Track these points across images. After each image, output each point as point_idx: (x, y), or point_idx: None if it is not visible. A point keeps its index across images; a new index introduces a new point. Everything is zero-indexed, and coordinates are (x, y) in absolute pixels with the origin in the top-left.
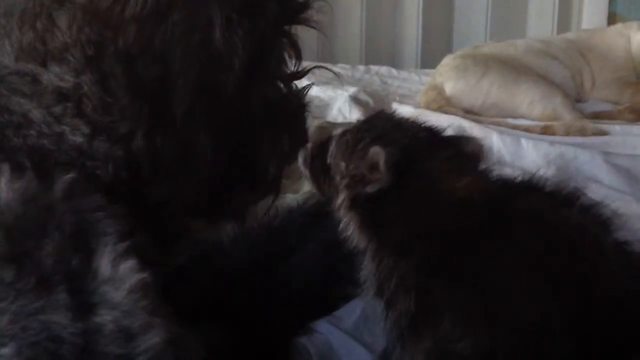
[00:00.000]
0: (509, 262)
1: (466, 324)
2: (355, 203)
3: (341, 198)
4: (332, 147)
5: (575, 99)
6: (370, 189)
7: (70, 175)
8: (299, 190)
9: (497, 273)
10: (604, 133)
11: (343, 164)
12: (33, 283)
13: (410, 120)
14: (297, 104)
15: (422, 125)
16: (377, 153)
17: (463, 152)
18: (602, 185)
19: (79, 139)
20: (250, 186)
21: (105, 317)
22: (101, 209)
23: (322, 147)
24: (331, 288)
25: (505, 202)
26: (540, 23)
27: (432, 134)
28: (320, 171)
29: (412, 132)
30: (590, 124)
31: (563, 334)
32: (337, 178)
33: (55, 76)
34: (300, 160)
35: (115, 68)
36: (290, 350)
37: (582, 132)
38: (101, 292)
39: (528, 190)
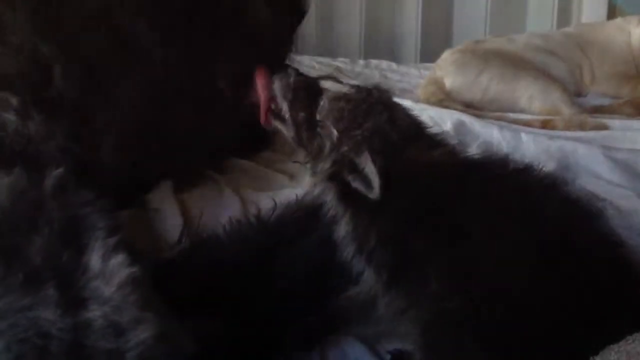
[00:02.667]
0: (480, 214)
1: (452, 281)
2: (336, 176)
3: (325, 166)
4: (325, 105)
5: (575, 93)
6: (356, 186)
7: (59, 170)
8: (297, 185)
9: (470, 225)
10: (603, 127)
11: (335, 134)
12: (21, 279)
13: (398, 106)
14: None
15: (408, 115)
16: (371, 170)
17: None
18: (601, 179)
19: (11, 117)
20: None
21: (95, 312)
22: (90, 204)
23: (308, 88)
24: (327, 281)
25: (477, 168)
26: (539, 17)
27: (415, 125)
28: (303, 116)
29: (400, 124)
30: (589, 119)
31: (533, 268)
32: (327, 144)
33: None
34: (277, 84)
35: None
36: (285, 341)
37: (582, 127)
38: (91, 287)
39: (496, 161)
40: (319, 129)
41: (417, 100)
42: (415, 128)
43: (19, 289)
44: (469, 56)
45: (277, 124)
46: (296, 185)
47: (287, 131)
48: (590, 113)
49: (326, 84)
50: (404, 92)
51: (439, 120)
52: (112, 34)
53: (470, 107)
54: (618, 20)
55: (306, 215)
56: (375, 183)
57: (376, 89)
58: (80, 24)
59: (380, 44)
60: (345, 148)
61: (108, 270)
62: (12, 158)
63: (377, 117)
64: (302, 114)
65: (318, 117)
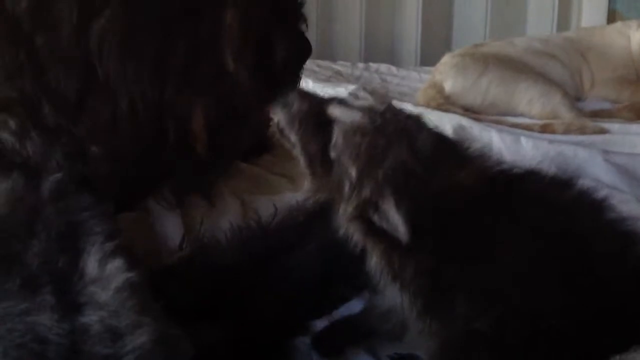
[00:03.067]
0: (514, 239)
1: (481, 301)
2: (361, 216)
3: (347, 208)
4: (339, 140)
5: (575, 97)
6: (382, 225)
7: (57, 175)
8: (299, 189)
9: (504, 250)
10: (603, 131)
11: (354, 173)
12: (18, 285)
13: (417, 127)
14: None
15: (429, 135)
16: (396, 217)
17: (461, 148)
18: (601, 183)
19: (8, 137)
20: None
21: (92, 317)
22: (88, 209)
23: (316, 117)
24: (329, 288)
25: (507, 186)
26: (539, 21)
27: (438, 144)
28: (315, 148)
29: (422, 150)
30: (589, 123)
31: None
32: (346, 184)
33: None
34: (280, 115)
35: None
36: (288, 348)
37: (582, 131)
38: (88, 292)
39: (529, 175)
40: (335, 167)
41: (416, 104)
42: (439, 148)
43: (16, 294)
44: (468, 60)
45: (289, 148)
46: (297, 188)
47: (299, 160)
48: (590, 117)
49: (335, 111)
50: (404, 96)
51: (439, 124)
52: (89, 75)
53: (470, 111)
54: (618, 25)
55: (307, 220)
56: (402, 228)
57: (389, 110)
58: (59, 63)
59: (380, 47)
60: (367, 190)
61: (105, 275)
62: (10, 164)
63: (397, 151)
64: (314, 146)
65: (332, 153)
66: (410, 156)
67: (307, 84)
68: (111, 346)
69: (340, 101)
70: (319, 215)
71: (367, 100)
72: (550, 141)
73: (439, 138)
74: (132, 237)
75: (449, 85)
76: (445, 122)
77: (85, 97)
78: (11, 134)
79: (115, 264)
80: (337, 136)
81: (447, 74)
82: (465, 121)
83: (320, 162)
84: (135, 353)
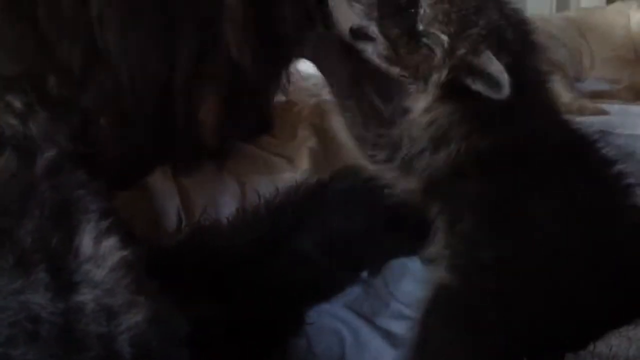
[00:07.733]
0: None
1: (490, 233)
2: (450, 89)
3: (440, 76)
4: (426, 12)
5: (575, 77)
6: (478, 88)
7: (52, 152)
8: (297, 170)
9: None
10: (603, 113)
11: (446, 39)
12: (12, 262)
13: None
14: None
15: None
16: (497, 67)
17: None
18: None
19: (12, 121)
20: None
21: (86, 296)
22: (83, 186)
23: (395, 1)
24: (334, 271)
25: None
26: (539, 1)
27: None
28: (397, 32)
29: (513, 21)
30: (589, 104)
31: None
32: (438, 52)
33: None
34: (355, 7)
35: None
36: (290, 326)
37: (582, 112)
38: (83, 270)
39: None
40: (424, 40)
41: None
42: (524, 28)
43: (9, 272)
44: None
45: (362, 45)
46: (295, 169)
47: (376, 50)
48: (590, 98)
49: None
50: None
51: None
52: (91, 46)
53: None
54: (618, 5)
55: (305, 201)
56: (504, 80)
57: None
58: (62, 35)
59: None
60: (462, 51)
61: (100, 254)
62: (4, 142)
63: (488, 14)
64: (396, 30)
65: (421, 27)
66: (503, 19)
67: None
68: (106, 325)
69: None
70: (319, 195)
71: None
72: None
73: (522, 17)
74: (131, 215)
75: None
76: None
77: (90, 68)
78: (15, 117)
79: (110, 242)
80: (424, 7)
81: None
82: None
83: (404, 43)
84: (130, 332)
